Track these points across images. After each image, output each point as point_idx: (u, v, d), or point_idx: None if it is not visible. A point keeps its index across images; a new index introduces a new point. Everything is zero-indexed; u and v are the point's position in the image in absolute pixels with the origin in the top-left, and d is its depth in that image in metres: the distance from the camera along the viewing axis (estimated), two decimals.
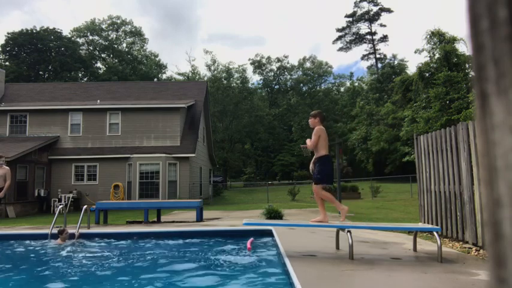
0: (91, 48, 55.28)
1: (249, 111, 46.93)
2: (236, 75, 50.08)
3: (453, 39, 28.25)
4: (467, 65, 27.02)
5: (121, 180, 20.20)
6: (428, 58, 30.51)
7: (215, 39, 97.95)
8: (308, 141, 5.72)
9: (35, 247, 7.16)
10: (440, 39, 28.93)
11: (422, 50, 31.46)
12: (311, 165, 5.72)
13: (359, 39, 55.63)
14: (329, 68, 59.62)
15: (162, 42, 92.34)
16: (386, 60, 51.95)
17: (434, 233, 5.15)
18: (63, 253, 6.54)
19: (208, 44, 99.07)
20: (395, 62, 49.71)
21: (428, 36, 29.89)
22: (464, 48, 28.33)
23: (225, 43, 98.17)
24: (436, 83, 26.74)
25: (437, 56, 29.01)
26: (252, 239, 6.70)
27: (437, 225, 6.76)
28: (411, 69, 49.27)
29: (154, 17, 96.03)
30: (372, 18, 54.21)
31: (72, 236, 7.52)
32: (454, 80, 25.92)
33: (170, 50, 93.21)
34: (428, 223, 7.18)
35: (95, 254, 6.42)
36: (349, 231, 5.11)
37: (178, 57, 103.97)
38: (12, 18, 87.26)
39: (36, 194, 18.90)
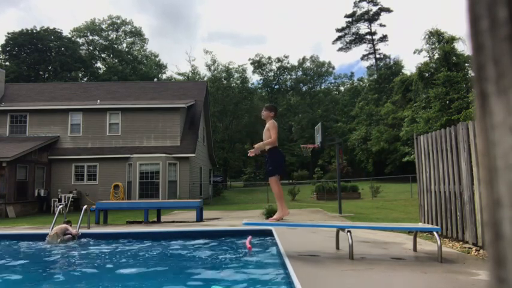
0: (91, 48, 55.28)
1: (249, 111, 46.92)
2: (236, 75, 50.08)
3: (452, 39, 28.28)
4: (466, 65, 27.05)
5: (121, 180, 20.20)
6: (427, 58, 30.57)
7: (215, 37, 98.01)
8: (262, 144, 5.57)
9: (34, 247, 7.16)
10: (439, 39, 28.96)
11: (421, 50, 31.54)
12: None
13: (359, 39, 55.60)
14: (330, 69, 59.65)
15: (161, 41, 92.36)
16: (383, 61, 51.94)
17: (434, 233, 5.15)
18: (62, 253, 6.54)
19: (208, 43, 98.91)
20: (392, 62, 49.68)
21: (427, 37, 29.95)
22: (463, 47, 28.37)
23: (225, 42, 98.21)
24: (435, 83, 26.76)
25: (436, 56, 29.05)
26: (250, 237, 6.69)
27: (437, 225, 6.77)
28: (410, 69, 49.31)
29: (153, 15, 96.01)
30: (371, 18, 54.19)
31: (70, 237, 7.52)
32: (454, 80, 25.94)
33: (170, 48, 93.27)
34: (428, 223, 7.18)
35: (95, 254, 6.42)
36: (349, 231, 5.11)
37: (178, 57, 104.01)
38: (8, 16, 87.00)
39: (36, 194, 18.89)
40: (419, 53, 39.33)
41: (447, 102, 26.11)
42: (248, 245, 6.27)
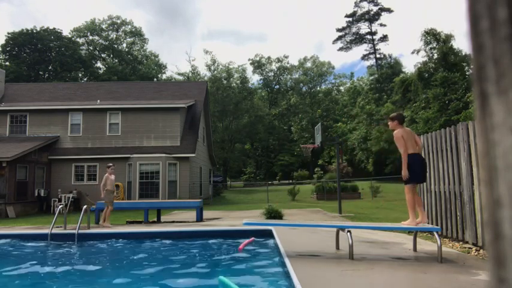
0: (91, 48, 55.27)
1: (249, 111, 46.90)
2: (236, 75, 50.07)
3: (448, 37, 28.30)
4: (463, 64, 27.07)
5: (121, 180, 20.18)
6: (426, 58, 30.59)
7: (216, 35, 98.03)
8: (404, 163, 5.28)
9: (34, 247, 7.15)
10: (436, 39, 28.97)
11: (419, 50, 31.61)
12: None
13: (359, 39, 55.62)
14: (330, 69, 59.71)
15: (161, 39, 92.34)
16: (385, 61, 51.97)
17: (434, 233, 5.15)
18: (62, 253, 6.54)
19: (209, 41, 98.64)
20: (393, 62, 49.69)
21: (423, 38, 29.99)
22: (459, 44, 28.45)
23: (226, 40, 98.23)
24: (434, 84, 26.78)
25: (435, 56, 29.07)
26: (252, 238, 6.67)
27: (437, 225, 6.77)
28: (410, 69, 49.31)
29: (152, 12, 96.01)
30: (372, 18, 54.21)
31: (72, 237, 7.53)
32: (452, 81, 25.96)
33: (169, 48, 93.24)
34: (428, 223, 7.18)
35: (95, 254, 6.42)
36: (349, 231, 5.11)
37: (178, 56, 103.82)
38: (1, 11, 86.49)
39: (36, 194, 18.88)
40: (418, 53, 39.38)
41: (446, 102, 26.14)
42: (241, 246, 6.22)
